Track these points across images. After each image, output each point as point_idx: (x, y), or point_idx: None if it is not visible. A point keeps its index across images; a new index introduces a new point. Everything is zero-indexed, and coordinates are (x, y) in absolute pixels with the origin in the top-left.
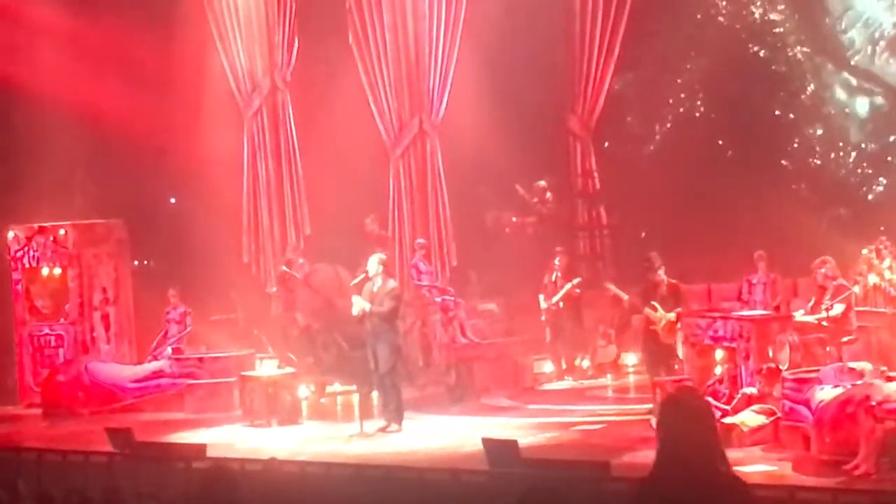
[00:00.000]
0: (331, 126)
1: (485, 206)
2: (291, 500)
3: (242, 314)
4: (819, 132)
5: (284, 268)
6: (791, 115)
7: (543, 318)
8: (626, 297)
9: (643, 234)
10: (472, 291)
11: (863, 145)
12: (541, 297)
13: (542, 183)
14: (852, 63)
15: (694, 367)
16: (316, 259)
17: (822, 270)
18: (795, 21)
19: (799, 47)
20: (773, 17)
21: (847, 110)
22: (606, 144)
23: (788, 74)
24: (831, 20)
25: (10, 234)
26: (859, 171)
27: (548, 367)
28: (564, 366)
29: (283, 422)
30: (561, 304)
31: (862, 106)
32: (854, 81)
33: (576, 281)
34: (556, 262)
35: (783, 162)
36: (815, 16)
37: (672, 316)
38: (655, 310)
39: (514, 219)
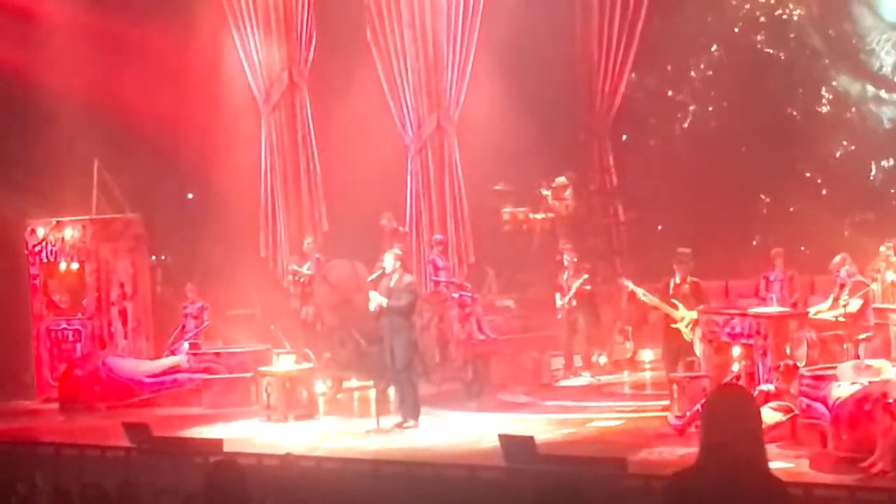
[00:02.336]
0: (348, 122)
1: (502, 203)
2: (308, 495)
3: (259, 309)
4: (837, 131)
5: (294, 266)
6: (809, 115)
7: (559, 316)
8: (640, 291)
9: (659, 228)
10: (489, 287)
11: (883, 149)
12: (556, 295)
13: (562, 179)
14: (877, 72)
15: (711, 363)
16: (333, 255)
17: (846, 267)
18: (820, 26)
19: (823, 55)
20: (795, 18)
21: (867, 112)
22: (624, 138)
23: (808, 75)
24: (855, 29)
25: (28, 229)
26: (880, 173)
27: (561, 362)
28: (581, 363)
29: (299, 417)
30: (574, 302)
31: (883, 109)
32: (878, 91)
33: (583, 278)
34: (565, 260)
35: (800, 159)
36: (841, 24)
37: (694, 315)
38: (676, 307)
39: (531, 215)
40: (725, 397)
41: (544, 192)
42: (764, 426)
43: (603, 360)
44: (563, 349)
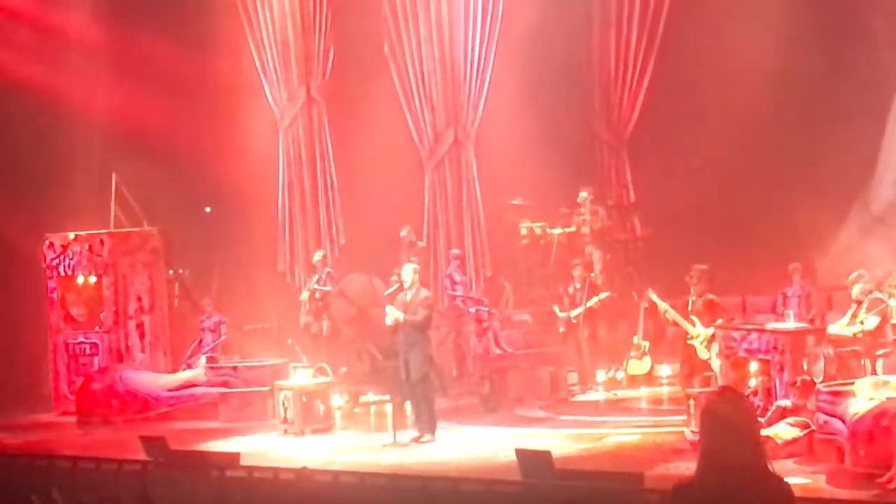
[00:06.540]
0: (366, 136)
1: (519, 217)
2: None
3: (277, 323)
4: (854, 146)
5: (317, 286)
6: (826, 129)
7: (561, 329)
8: (663, 305)
9: (677, 246)
10: (506, 302)
11: None
12: (555, 308)
13: (584, 194)
14: None
15: (728, 379)
16: (350, 269)
17: (859, 285)
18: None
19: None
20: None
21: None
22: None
23: (825, 90)
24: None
25: (46, 243)
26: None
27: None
28: (601, 377)
29: (316, 431)
30: (579, 318)
31: None
32: None
33: (602, 295)
34: (575, 274)
35: (818, 174)
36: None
37: (710, 332)
38: (694, 324)
39: (549, 229)
40: (720, 402)
41: (576, 207)
42: (781, 442)
43: (620, 374)
44: (575, 365)
